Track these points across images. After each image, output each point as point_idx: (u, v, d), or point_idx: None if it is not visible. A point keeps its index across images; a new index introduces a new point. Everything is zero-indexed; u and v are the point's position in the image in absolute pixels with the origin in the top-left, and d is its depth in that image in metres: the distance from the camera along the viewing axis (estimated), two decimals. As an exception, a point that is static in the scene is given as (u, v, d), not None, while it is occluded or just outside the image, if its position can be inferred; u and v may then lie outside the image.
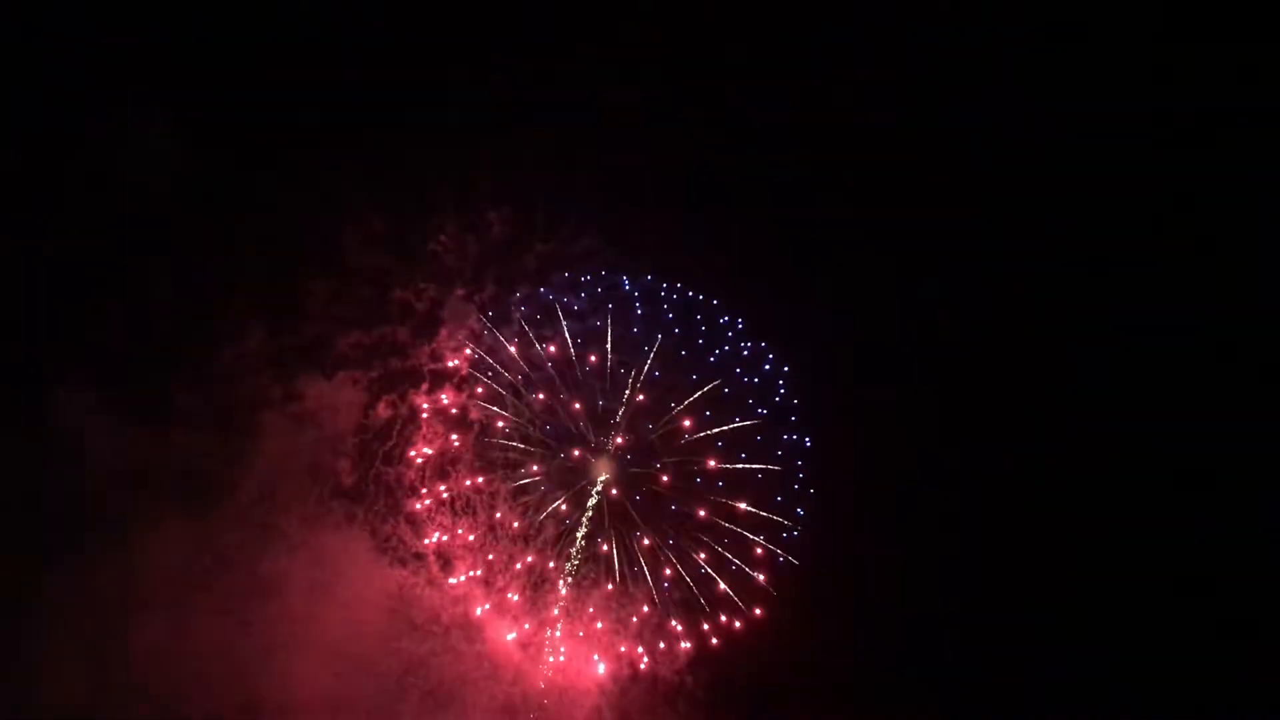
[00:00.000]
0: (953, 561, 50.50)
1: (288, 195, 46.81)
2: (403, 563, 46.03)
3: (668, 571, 49.44)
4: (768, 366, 51.80)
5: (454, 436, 47.61)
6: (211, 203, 46.69)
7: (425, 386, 47.75)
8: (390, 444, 46.97)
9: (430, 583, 46.55)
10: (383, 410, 47.05)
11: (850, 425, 51.31)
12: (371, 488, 46.47)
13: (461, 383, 48.15)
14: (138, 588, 42.51)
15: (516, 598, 47.47)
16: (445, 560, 47.13)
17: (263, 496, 44.72)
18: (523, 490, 48.77)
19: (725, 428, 50.21)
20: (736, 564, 49.67)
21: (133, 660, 41.64)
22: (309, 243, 47.18)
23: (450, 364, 48.15)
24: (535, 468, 49.10)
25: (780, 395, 51.62)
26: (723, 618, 49.51)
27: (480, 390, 48.17)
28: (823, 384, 51.94)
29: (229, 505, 44.37)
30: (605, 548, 49.23)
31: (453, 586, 46.94)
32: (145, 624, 42.19)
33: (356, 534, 45.58)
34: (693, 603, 49.39)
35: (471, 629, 46.68)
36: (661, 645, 48.74)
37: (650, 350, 49.26)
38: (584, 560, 48.43)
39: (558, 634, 47.84)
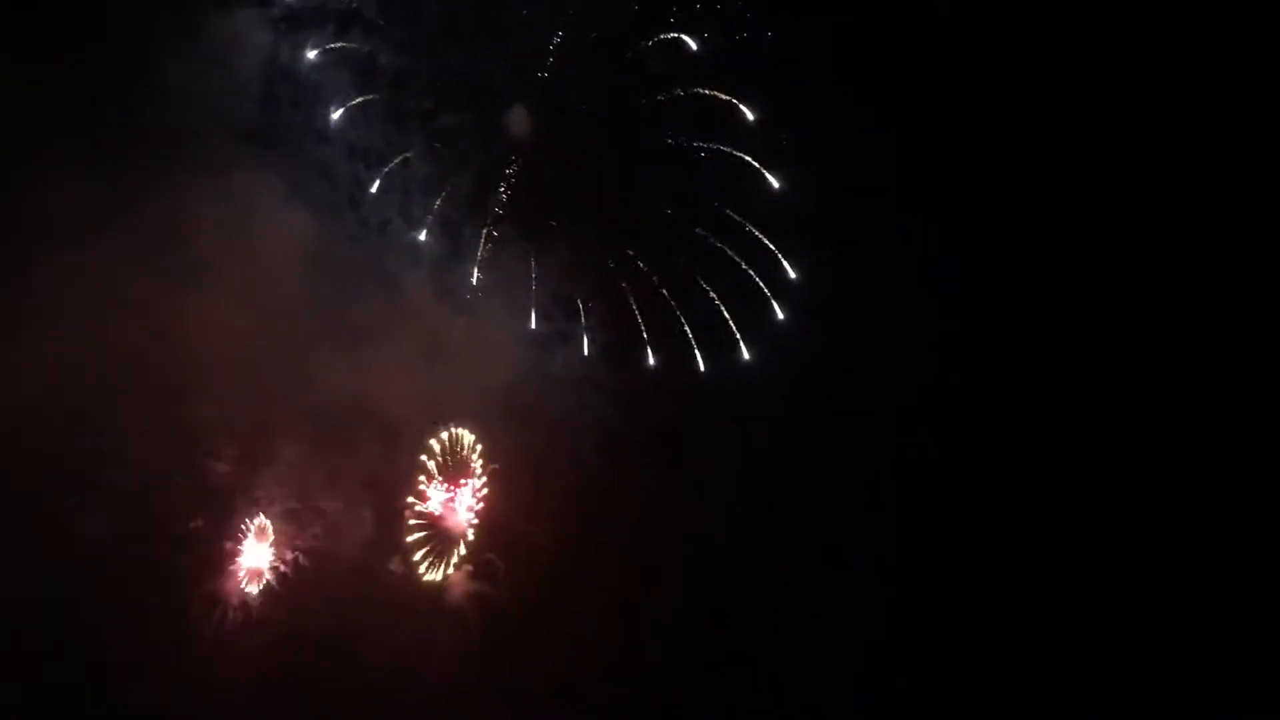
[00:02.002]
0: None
1: None
2: (314, 207, 41.73)
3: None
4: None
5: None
6: None
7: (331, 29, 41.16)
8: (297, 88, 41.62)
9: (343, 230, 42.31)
10: (286, 55, 41.35)
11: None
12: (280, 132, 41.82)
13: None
14: (37, 229, 39.89)
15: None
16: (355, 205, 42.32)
17: (166, 135, 40.79)
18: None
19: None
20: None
21: (34, 301, 39.77)
22: None
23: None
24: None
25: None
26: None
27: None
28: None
29: (132, 143, 40.58)
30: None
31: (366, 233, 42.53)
32: (46, 267, 39.90)
33: (266, 177, 41.16)
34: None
35: (386, 277, 42.61)
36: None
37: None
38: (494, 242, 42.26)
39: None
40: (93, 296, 40.06)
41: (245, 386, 41.45)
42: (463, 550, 42.26)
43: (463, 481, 43.33)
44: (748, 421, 41.90)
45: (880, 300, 41.20)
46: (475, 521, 42.77)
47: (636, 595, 41.73)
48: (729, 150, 40.10)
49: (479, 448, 43.47)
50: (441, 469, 43.12)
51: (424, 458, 42.74)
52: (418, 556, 41.89)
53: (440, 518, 42.75)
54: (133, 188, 40.14)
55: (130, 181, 40.11)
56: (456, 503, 43.15)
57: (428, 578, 42.00)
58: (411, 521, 42.27)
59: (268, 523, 41.55)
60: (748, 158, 40.06)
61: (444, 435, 43.16)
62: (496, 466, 43.21)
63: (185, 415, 40.97)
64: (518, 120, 40.92)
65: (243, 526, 41.16)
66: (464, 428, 43.37)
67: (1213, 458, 40.03)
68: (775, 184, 39.89)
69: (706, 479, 42.16)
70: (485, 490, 43.20)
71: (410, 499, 42.43)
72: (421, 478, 42.64)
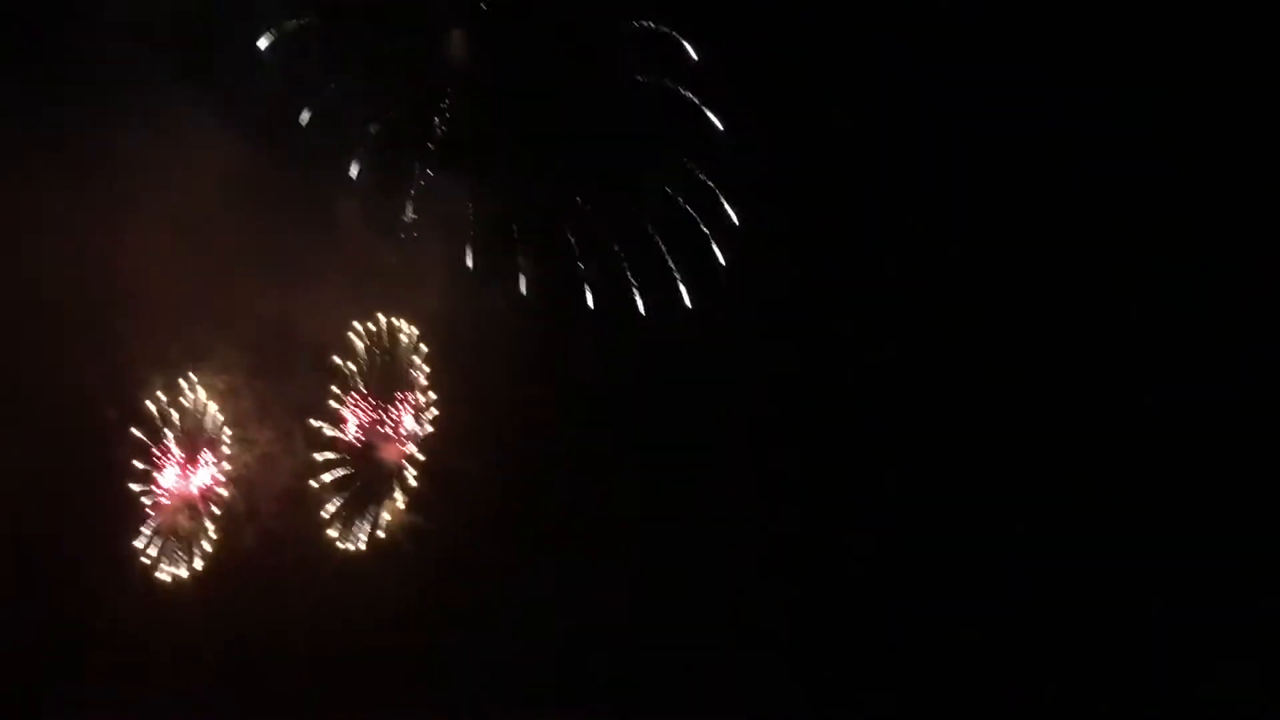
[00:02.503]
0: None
1: None
2: (243, 134, 39.38)
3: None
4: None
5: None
6: None
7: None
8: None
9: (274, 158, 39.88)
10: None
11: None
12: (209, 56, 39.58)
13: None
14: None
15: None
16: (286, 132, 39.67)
17: (89, 58, 38.82)
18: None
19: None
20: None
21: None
22: None
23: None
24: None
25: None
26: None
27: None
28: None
29: (54, 65, 39.28)
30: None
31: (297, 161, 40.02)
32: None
33: (194, 101, 39.04)
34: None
35: (317, 207, 40.60)
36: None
37: None
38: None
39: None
40: (11, 221, 38.56)
41: (172, 315, 39.85)
42: (399, 498, 39.92)
43: (399, 396, 40.61)
44: (686, 366, 41.10)
45: (825, 250, 40.37)
46: (416, 455, 40.14)
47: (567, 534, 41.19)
48: (674, 87, 38.51)
49: (423, 349, 40.66)
50: (369, 379, 40.17)
51: (343, 362, 39.93)
52: (330, 510, 39.47)
53: (364, 446, 40.10)
54: (55, 112, 38.48)
55: (52, 106, 38.47)
56: (390, 425, 40.36)
57: (344, 543, 39.55)
58: (323, 457, 39.88)
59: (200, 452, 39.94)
60: (690, 94, 38.42)
61: (372, 328, 39.98)
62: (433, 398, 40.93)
63: (111, 344, 39.59)
64: (456, 49, 39.06)
65: (170, 456, 39.78)
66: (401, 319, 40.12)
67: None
68: (719, 125, 38.59)
69: (642, 423, 41.61)
70: (433, 411, 40.52)
71: (316, 422, 39.90)
72: (334, 388, 39.80)
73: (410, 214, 40.15)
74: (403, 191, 40.14)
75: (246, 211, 39.83)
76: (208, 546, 39.73)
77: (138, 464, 39.52)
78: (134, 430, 39.62)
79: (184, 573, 39.42)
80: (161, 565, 39.49)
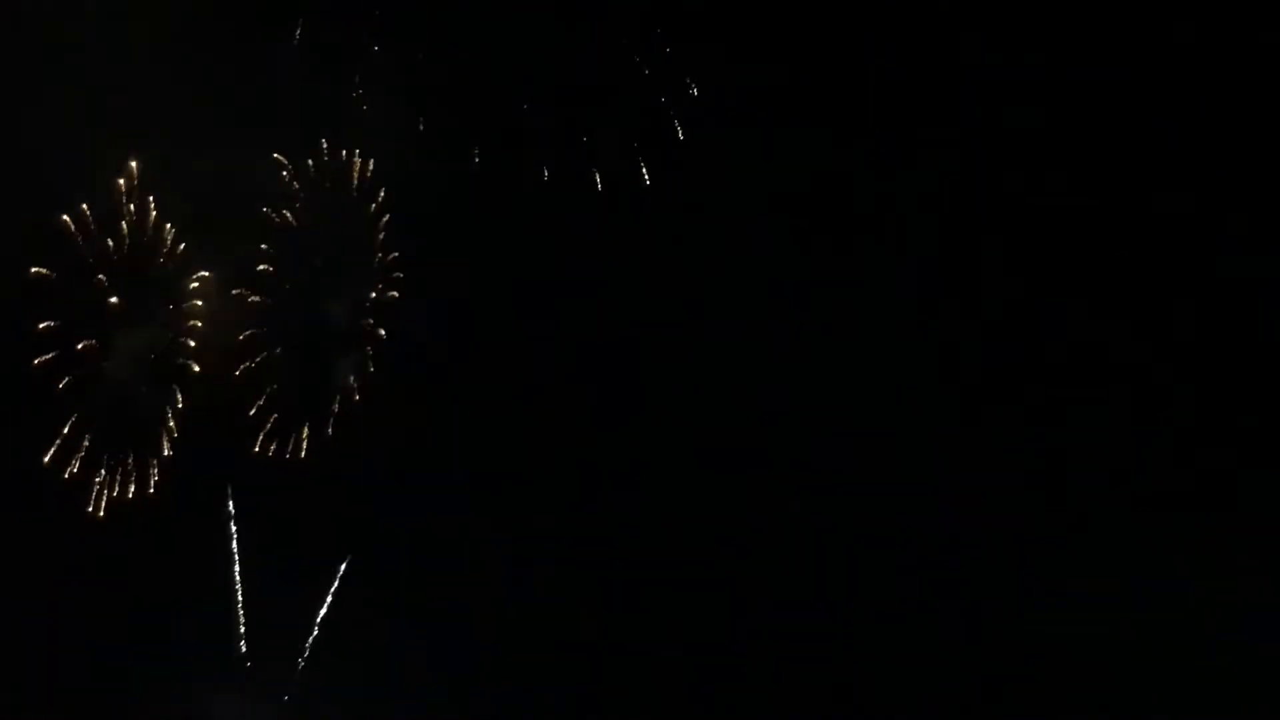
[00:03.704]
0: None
1: None
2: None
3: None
4: None
5: None
6: None
7: None
8: None
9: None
10: None
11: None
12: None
13: None
14: None
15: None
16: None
17: None
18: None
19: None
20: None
21: None
22: None
23: None
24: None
25: None
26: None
27: None
28: None
29: None
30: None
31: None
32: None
33: None
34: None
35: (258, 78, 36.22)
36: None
37: None
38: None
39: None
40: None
41: (99, 173, 34.19)
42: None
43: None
44: (640, 244, 39.72)
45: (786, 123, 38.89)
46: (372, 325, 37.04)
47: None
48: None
49: (380, 195, 37.38)
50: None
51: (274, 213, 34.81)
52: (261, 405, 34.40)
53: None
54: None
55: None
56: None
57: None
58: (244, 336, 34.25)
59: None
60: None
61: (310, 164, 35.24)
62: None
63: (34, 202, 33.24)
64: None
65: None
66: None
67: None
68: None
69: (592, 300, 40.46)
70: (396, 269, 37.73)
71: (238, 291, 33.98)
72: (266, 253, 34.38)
73: (359, 84, 37.40)
74: (351, 57, 37.49)
75: (181, 79, 34.70)
76: (168, 449, 31.67)
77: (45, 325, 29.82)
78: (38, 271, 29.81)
79: (130, 494, 30.47)
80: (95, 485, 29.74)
